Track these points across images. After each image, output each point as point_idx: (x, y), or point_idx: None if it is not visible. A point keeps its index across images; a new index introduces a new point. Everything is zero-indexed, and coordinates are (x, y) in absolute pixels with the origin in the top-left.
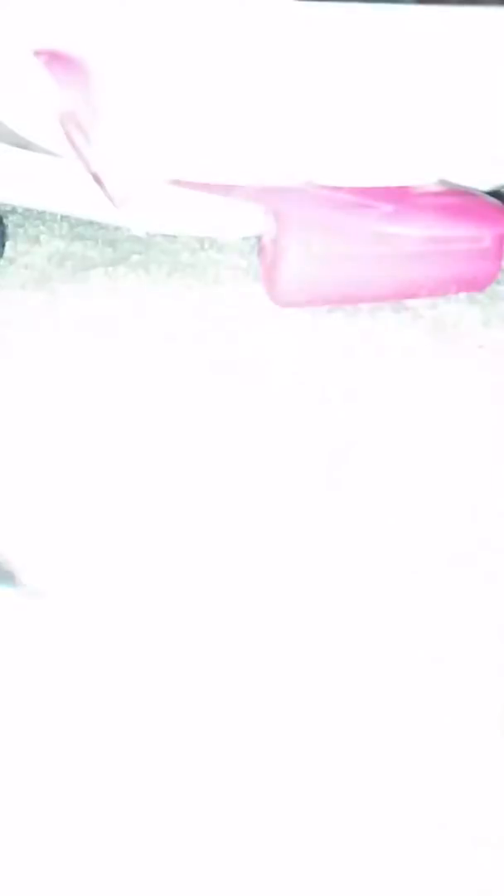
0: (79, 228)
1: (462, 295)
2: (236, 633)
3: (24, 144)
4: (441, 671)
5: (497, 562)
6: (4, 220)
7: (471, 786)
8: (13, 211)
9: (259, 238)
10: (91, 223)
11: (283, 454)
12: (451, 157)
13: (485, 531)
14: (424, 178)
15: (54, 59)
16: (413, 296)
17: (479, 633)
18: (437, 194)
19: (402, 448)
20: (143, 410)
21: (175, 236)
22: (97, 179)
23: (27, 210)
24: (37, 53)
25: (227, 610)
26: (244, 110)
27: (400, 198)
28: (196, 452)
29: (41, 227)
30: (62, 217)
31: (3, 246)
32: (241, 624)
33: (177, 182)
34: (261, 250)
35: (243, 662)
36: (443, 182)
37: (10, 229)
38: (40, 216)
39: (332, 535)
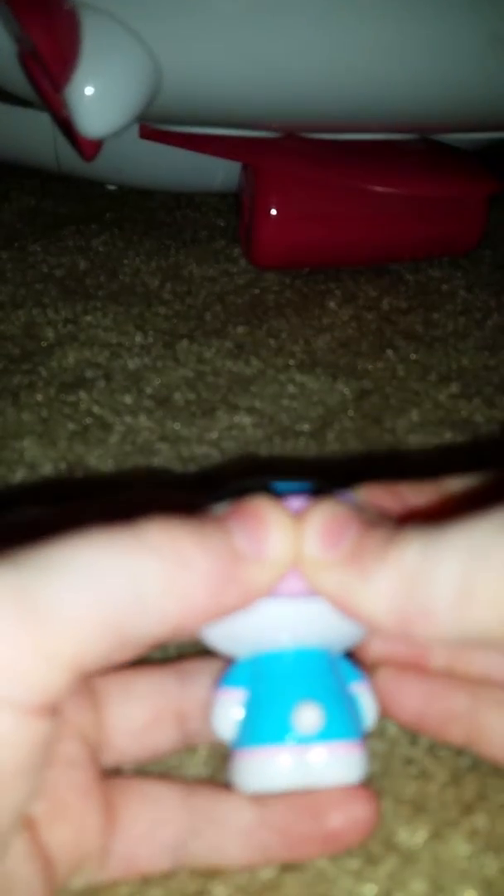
0: (50, 184)
1: (445, 259)
2: None
3: None
4: None
5: None
6: None
7: None
8: None
9: (237, 196)
10: (63, 179)
11: (266, 416)
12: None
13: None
14: None
15: None
16: (395, 258)
17: None
18: (422, 151)
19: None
20: (117, 372)
21: (150, 193)
22: (66, 127)
23: None
24: None
25: None
26: None
27: (384, 154)
28: (171, 416)
29: (11, 183)
30: (33, 173)
31: None
32: None
33: (151, 134)
34: (239, 209)
35: None
36: (426, 139)
37: None
38: (11, 172)
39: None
